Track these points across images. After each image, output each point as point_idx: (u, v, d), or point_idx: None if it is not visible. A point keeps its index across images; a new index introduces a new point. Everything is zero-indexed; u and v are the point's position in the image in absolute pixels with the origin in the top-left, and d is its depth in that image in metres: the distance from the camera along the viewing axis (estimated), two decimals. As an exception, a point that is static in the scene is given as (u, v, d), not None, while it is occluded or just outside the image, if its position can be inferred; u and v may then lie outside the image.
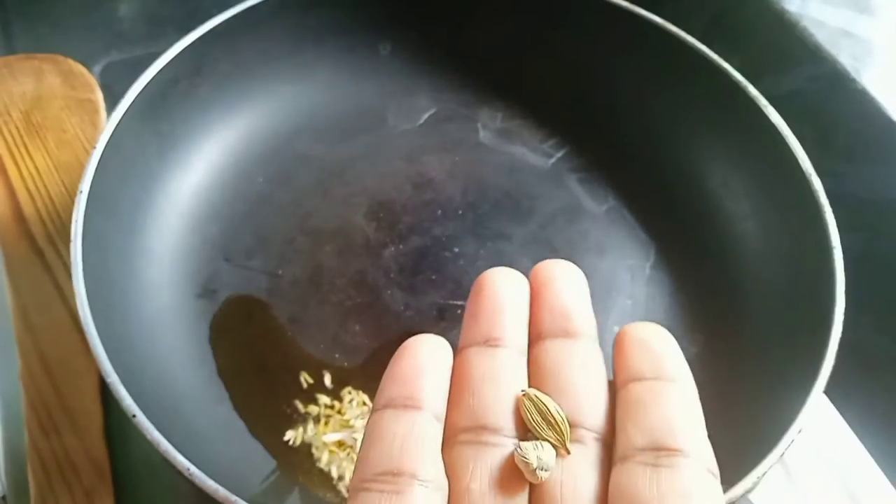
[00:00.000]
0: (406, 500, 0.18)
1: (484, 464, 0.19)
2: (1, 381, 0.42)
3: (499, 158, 0.49)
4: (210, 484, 0.30)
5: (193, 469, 0.30)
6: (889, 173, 0.48)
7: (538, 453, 0.19)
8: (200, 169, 0.46)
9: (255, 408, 0.39)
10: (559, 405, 0.20)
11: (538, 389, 0.20)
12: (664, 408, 0.19)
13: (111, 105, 0.41)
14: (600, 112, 0.50)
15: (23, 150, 0.48)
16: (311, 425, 0.38)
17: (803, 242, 0.40)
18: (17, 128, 0.49)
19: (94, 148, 0.39)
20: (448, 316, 0.42)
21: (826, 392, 0.34)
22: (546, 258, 0.23)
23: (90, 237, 0.36)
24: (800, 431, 0.33)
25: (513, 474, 0.19)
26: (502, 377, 0.20)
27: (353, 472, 0.19)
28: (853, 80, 0.49)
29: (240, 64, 0.47)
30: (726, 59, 0.45)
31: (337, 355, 0.41)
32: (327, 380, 0.40)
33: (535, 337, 0.22)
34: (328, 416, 0.39)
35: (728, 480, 0.32)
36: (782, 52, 0.52)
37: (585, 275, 0.23)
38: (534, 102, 0.51)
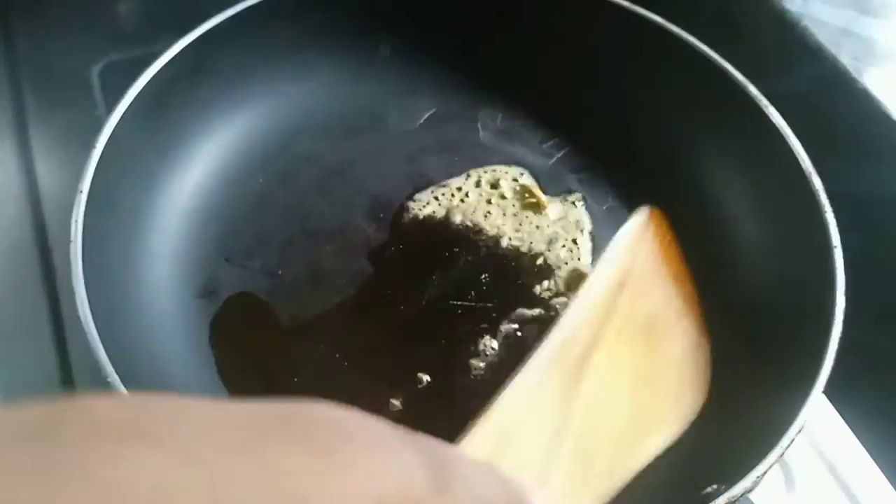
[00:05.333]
0: None
1: None
2: (2, 380, 0.42)
3: (499, 158, 0.49)
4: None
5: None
6: (889, 173, 0.48)
7: None
8: (200, 169, 0.46)
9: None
10: None
11: None
12: None
13: (110, 105, 0.41)
14: (600, 112, 0.50)
15: None
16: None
17: (804, 242, 0.40)
18: None
19: (94, 147, 0.39)
20: (448, 316, 0.42)
21: (825, 392, 0.34)
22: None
23: (90, 237, 0.36)
24: (800, 431, 0.33)
25: None
26: None
27: None
28: (854, 80, 0.49)
29: (239, 64, 0.47)
30: (727, 59, 0.45)
31: (337, 355, 0.41)
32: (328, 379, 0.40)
33: None
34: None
35: (728, 480, 0.32)
36: (783, 51, 0.52)
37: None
38: (534, 102, 0.51)
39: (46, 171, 0.50)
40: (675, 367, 0.29)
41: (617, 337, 0.27)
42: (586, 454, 0.23)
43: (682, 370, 0.29)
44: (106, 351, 0.33)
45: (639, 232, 0.31)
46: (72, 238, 0.36)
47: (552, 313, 0.43)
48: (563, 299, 0.43)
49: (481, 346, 0.41)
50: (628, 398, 0.26)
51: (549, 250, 0.45)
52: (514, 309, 0.43)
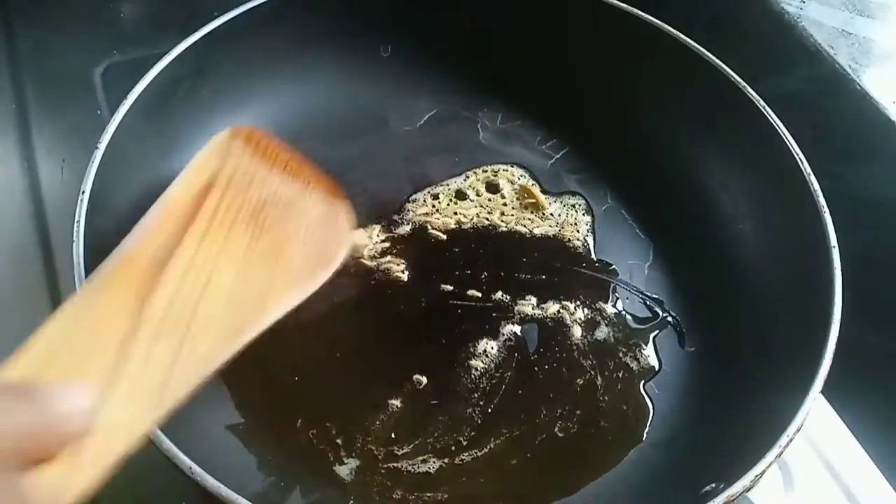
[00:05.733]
0: None
1: None
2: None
3: (499, 159, 0.50)
4: (212, 482, 0.30)
5: (195, 468, 0.30)
6: (887, 173, 0.48)
7: None
8: (202, 169, 0.46)
9: (257, 407, 0.39)
10: None
11: None
12: None
13: (113, 106, 0.41)
14: (600, 113, 0.50)
15: None
16: (312, 424, 0.39)
17: (802, 242, 0.40)
18: None
19: (97, 148, 0.39)
20: (448, 315, 0.43)
21: (824, 391, 0.34)
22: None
23: (92, 237, 0.36)
24: (798, 430, 0.33)
25: None
26: None
27: None
28: (852, 81, 0.50)
29: (241, 65, 0.47)
30: (725, 61, 0.45)
31: (337, 355, 0.41)
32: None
33: None
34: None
35: (727, 478, 0.32)
36: (781, 53, 0.52)
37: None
38: (534, 103, 0.52)
39: (49, 172, 0.50)
40: (294, 237, 0.33)
41: (208, 233, 0.30)
42: (178, 337, 0.27)
43: (305, 236, 0.33)
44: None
45: (217, 147, 0.34)
46: (74, 238, 0.36)
47: (553, 313, 0.43)
48: (563, 300, 0.43)
49: (481, 347, 0.41)
50: (235, 277, 0.29)
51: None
52: (514, 309, 0.43)
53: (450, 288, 0.43)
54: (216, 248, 0.30)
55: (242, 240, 0.31)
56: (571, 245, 0.46)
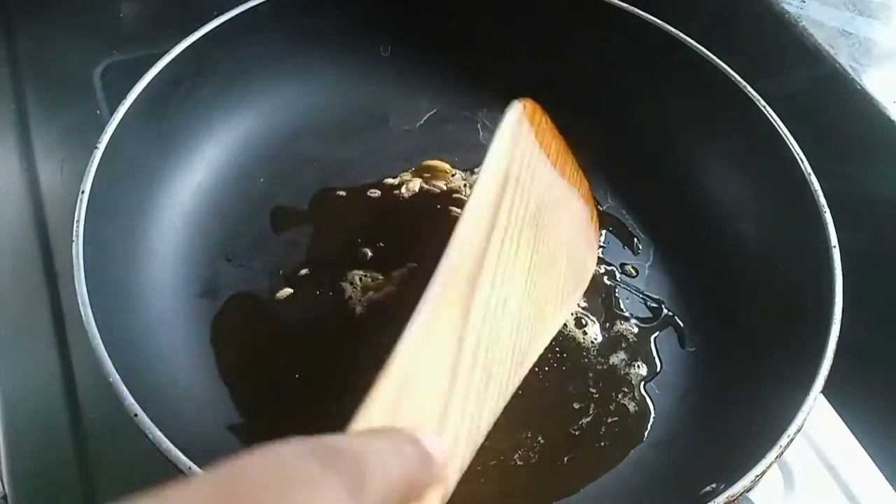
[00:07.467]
0: None
1: None
2: (4, 380, 0.42)
3: (499, 159, 0.50)
4: (211, 482, 0.30)
5: (195, 468, 0.30)
6: (888, 173, 0.48)
7: None
8: (202, 169, 0.46)
9: (257, 406, 0.39)
10: None
11: None
12: None
13: (112, 106, 0.41)
14: (600, 113, 0.50)
15: None
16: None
17: (802, 242, 0.40)
18: None
19: (96, 148, 0.39)
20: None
21: (824, 391, 0.34)
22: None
23: (91, 237, 0.36)
24: (798, 430, 0.33)
25: None
26: None
27: None
28: (852, 81, 0.50)
29: (241, 65, 0.47)
30: (725, 61, 0.45)
31: (337, 354, 0.41)
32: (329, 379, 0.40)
33: None
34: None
35: (727, 479, 0.32)
36: (781, 52, 0.52)
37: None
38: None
39: (48, 172, 0.50)
40: (565, 244, 0.29)
41: (504, 241, 0.27)
42: (488, 365, 0.23)
43: (572, 243, 0.30)
44: (107, 350, 0.33)
45: (512, 132, 0.30)
46: (73, 238, 0.36)
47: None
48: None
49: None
50: (523, 293, 0.26)
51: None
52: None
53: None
54: (511, 257, 0.26)
55: (528, 248, 0.27)
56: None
